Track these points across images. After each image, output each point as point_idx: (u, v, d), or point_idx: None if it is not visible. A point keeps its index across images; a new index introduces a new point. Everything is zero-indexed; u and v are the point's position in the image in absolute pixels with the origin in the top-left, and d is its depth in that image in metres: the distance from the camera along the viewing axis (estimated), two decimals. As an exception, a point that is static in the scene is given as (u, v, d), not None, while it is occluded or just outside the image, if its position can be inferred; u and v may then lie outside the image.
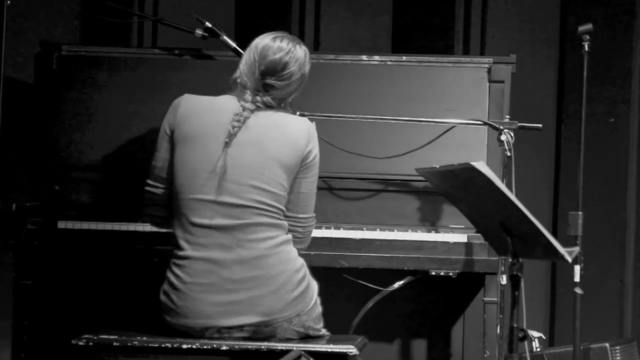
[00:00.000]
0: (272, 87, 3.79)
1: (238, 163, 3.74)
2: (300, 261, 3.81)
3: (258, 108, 3.77)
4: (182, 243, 3.76)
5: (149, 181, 3.88)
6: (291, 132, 3.79)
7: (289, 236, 3.82)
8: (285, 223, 3.81)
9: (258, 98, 3.78)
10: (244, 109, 3.76)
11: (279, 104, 3.83)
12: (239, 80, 3.82)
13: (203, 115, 3.78)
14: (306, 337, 3.84)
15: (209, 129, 3.76)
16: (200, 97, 3.84)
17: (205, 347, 3.72)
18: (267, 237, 3.75)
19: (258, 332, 3.76)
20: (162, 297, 3.80)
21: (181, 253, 3.76)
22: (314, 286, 3.85)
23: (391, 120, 4.48)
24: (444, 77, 4.60)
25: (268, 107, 3.80)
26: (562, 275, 5.33)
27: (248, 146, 3.75)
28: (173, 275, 3.77)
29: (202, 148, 3.75)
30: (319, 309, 3.87)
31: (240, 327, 3.74)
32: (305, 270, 3.82)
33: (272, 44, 3.81)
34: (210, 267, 3.72)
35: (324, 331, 3.90)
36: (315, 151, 3.84)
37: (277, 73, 3.79)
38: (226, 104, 3.80)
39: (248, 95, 3.78)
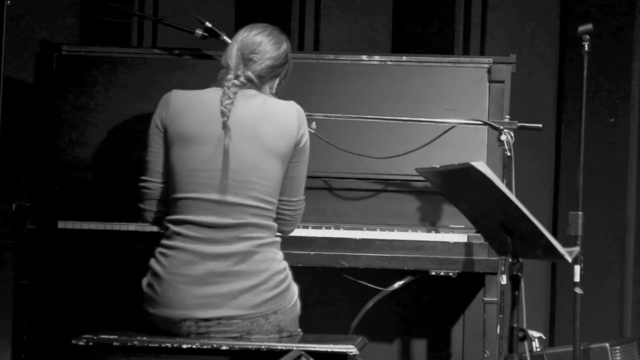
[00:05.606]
0: (250, 61, 3.89)
1: (238, 160, 3.78)
2: (284, 264, 3.85)
3: (242, 85, 3.85)
4: (172, 235, 3.79)
5: (144, 177, 3.90)
6: (283, 120, 3.85)
7: (277, 239, 3.86)
8: (275, 225, 3.85)
9: (240, 73, 3.86)
10: (230, 86, 3.83)
11: (260, 82, 3.90)
12: (223, 62, 3.92)
13: (195, 112, 3.83)
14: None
15: (204, 127, 3.80)
16: (188, 92, 3.90)
17: (205, 347, 3.72)
18: (256, 236, 3.78)
19: (235, 326, 3.76)
20: (145, 288, 3.82)
21: (169, 243, 3.79)
22: (294, 289, 3.88)
23: (391, 120, 4.48)
24: (444, 77, 4.60)
25: (250, 82, 3.86)
26: (562, 275, 5.33)
27: (246, 141, 3.79)
28: (158, 264, 3.79)
29: (200, 147, 3.79)
30: (298, 311, 3.90)
31: (217, 320, 3.75)
32: (288, 273, 3.85)
33: (251, 28, 3.96)
34: (195, 259, 3.75)
35: (299, 331, 3.93)
36: (307, 135, 3.92)
37: (256, 48, 3.89)
38: (215, 96, 3.85)
39: (231, 75, 3.87)
